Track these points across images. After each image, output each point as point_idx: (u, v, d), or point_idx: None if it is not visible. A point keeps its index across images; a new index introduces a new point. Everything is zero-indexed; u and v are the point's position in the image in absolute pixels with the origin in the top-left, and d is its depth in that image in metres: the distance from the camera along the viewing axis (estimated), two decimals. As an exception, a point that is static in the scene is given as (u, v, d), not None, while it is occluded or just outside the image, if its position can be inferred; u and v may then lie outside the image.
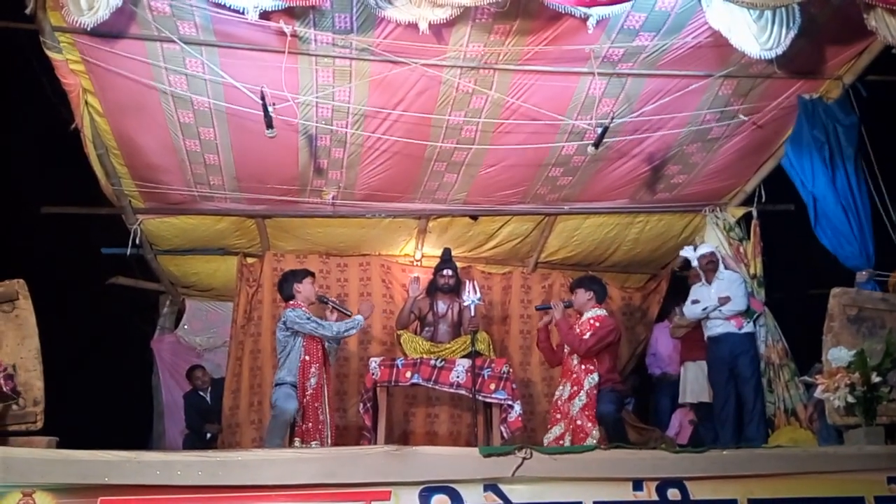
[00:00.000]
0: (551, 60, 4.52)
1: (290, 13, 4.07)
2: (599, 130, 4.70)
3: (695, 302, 5.53)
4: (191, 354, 7.23)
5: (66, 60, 4.33)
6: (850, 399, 3.77)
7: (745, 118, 4.98)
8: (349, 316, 5.17)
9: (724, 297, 5.33)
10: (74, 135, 4.83)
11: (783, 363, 5.43)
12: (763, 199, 5.88)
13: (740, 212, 6.01)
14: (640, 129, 5.15)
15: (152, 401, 7.26)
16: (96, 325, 7.50)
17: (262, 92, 4.29)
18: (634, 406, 7.05)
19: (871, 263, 4.77)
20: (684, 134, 5.23)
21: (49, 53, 4.24)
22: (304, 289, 4.98)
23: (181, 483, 3.18)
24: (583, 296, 5.11)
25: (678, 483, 3.43)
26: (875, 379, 3.77)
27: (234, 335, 6.39)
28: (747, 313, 5.35)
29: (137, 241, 6.04)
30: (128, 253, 6.12)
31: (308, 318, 4.81)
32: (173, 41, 4.24)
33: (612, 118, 4.71)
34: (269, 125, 4.38)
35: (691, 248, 5.75)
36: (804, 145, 4.89)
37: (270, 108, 4.35)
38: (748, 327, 5.34)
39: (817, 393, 4.05)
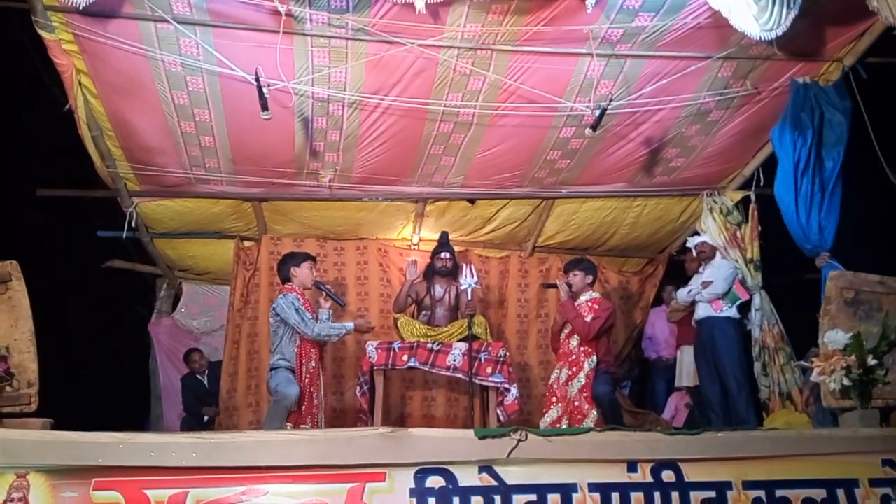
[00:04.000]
0: (550, 41, 4.47)
1: (285, -8, 4.03)
2: (598, 113, 4.67)
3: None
4: (188, 338, 7.24)
5: (59, 40, 4.27)
6: (846, 382, 3.75)
7: (752, 88, 4.93)
8: (343, 306, 5.16)
9: (706, 281, 5.47)
10: (69, 116, 4.80)
11: (779, 347, 5.43)
12: (762, 183, 5.85)
13: (738, 195, 5.98)
14: (638, 112, 5.11)
15: (150, 384, 7.29)
16: (94, 308, 7.51)
17: (256, 73, 4.25)
18: (630, 391, 7.07)
19: (825, 248, 4.80)
20: (683, 116, 5.20)
21: (41, 33, 4.18)
22: (302, 273, 4.92)
23: (176, 464, 3.17)
24: (583, 279, 5.15)
25: (672, 465, 3.41)
26: (871, 362, 3.75)
27: (231, 318, 6.39)
28: (727, 297, 5.41)
29: (133, 224, 6.01)
30: (124, 236, 6.10)
31: (296, 310, 4.70)
32: (167, 21, 4.19)
33: (611, 100, 4.67)
34: (265, 107, 4.33)
35: (697, 235, 5.85)
36: (786, 128, 4.86)
37: (265, 90, 4.30)
38: (728, 311, 5.40)
39: (813, 376, 4.05)
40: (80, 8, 3.84)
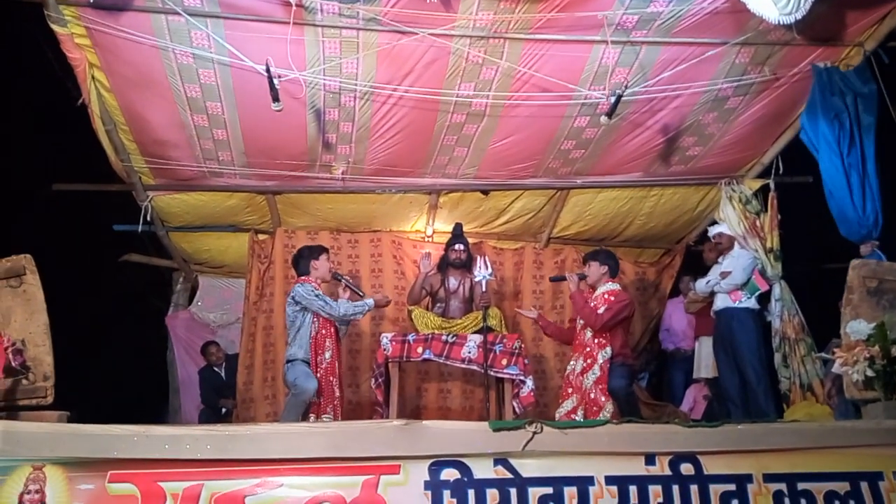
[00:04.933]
0: (563, 28, 4.41)
1: (295, -18, 4.00)
2: (613, 100, 4.60)
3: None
4: (205, 331, 7.29)
5: (72, 34, 4.28)
6: (869, 373, 3.68)
7: (770, 74, 4.83)
8: (361, 297, 5.16)
9: (725, 272, 5.39)
10: (83, 111, 4.81)
11: (799, 338, 5.34)
12: (781, 171, 5.75)
13: (757, 184, 5.88)
14: (654, 100, 5.02)
15: (168, 376, 7.34)
16: (111, 301, 7.58)
17: (267, 64, 4.23)
18: (648, 383, 7.02)
19: (874, 235, 4.68)
20: (700, 104, 5.12)
21: (54, 27, 4.19)
22: (321, 265, 5.00)
23: (190, 457, 3.18)
24: (597, 270, 5.08)
25: (691, 457, 3.37)
26: (895, 352, 3.68)
27: (247, 311, 6.41)
28: (746, 287, 5.33)
29: (149, 218, 6.04)
30: (139, 230, 6.12)
31: (317, 295, 4.79)
32: (178, 13, 4.18)
33: (626, 88, 4.60)
34: (276, 98, 4.31)
35: (716, 225, 5.77)
36: (819, 114, 4.75)
37: (276, 81, 4.28)
38: (747, 302, 5.33)
39: (835, 367, 3.98)
40: (92, 1, 3.84)
